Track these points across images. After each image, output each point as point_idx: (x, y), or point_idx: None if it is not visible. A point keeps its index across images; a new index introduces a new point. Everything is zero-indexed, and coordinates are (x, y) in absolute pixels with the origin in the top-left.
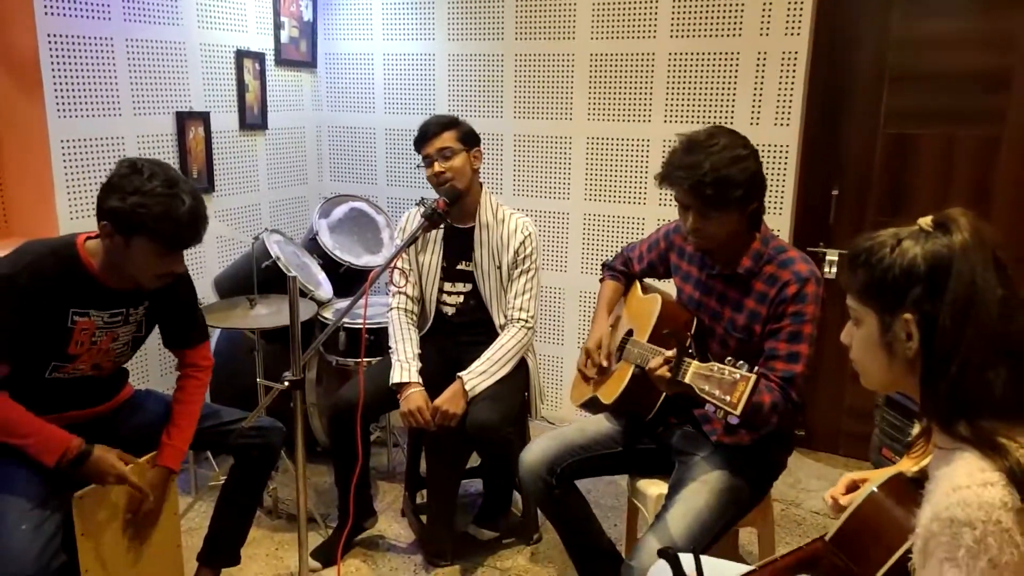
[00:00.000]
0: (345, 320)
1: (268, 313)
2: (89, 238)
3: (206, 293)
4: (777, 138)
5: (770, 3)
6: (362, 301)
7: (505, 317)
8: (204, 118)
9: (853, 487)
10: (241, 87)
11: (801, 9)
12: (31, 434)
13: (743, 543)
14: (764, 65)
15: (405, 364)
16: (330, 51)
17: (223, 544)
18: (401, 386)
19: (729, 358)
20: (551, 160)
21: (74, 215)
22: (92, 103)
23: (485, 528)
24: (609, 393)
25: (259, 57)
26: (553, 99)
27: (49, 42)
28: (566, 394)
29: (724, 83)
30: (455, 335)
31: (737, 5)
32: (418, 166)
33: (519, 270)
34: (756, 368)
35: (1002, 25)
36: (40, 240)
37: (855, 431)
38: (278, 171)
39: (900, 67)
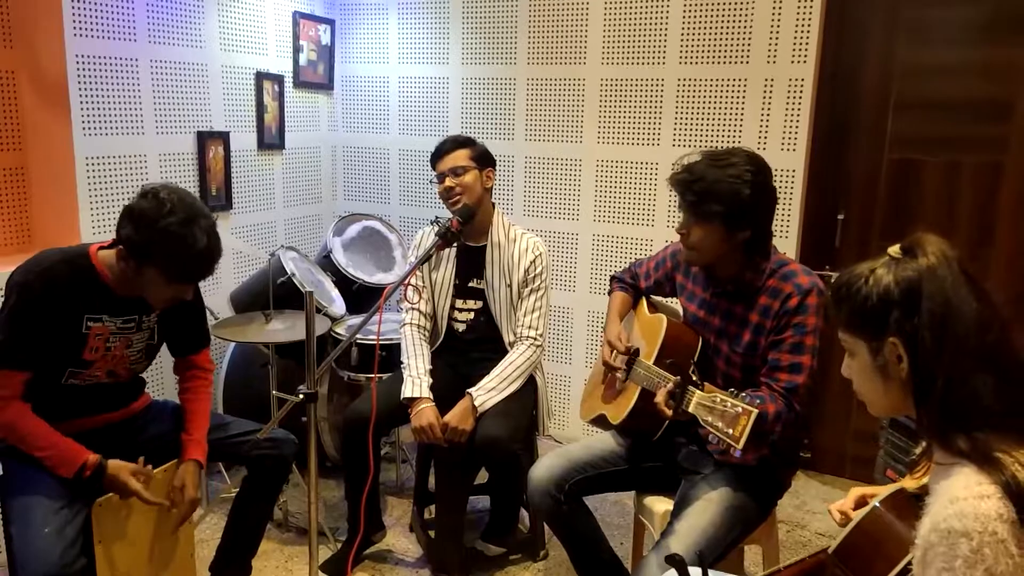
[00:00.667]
0: (357, 336)
1: (283, 328)
2: (102, 247)
3: (222, 308)
4: (784, 163)
5: (777, 31)
6: (376, 317)
7: (514, 335)
8: (224, 137)
9: (862, 502)
10: (260, 108)
11: (807, 37)
12: (49, 447)
13: (748, 562)
14: (771, 91)
15: (417, 379)
16: (347, 74)
17: (235, 555)
18: (412, 401)
19: (732, 389)
20: (561, 181)
21: (96, 230)
22: (117, 122)
23: (492, 544)
24: (616, 413)
25: (278, 79)
26: (564, 122)
27: (77, 62)
28: (574, 412)
29: (732, 108)
30: (465, 351)
31: (744, 33)
32: (431, 181)
33: (529, 288)
34: (758, 402)
35: (1004, 54)
36: (54, 248)
37: (860, 454)
38: (294, 190)
39: (904, 94)
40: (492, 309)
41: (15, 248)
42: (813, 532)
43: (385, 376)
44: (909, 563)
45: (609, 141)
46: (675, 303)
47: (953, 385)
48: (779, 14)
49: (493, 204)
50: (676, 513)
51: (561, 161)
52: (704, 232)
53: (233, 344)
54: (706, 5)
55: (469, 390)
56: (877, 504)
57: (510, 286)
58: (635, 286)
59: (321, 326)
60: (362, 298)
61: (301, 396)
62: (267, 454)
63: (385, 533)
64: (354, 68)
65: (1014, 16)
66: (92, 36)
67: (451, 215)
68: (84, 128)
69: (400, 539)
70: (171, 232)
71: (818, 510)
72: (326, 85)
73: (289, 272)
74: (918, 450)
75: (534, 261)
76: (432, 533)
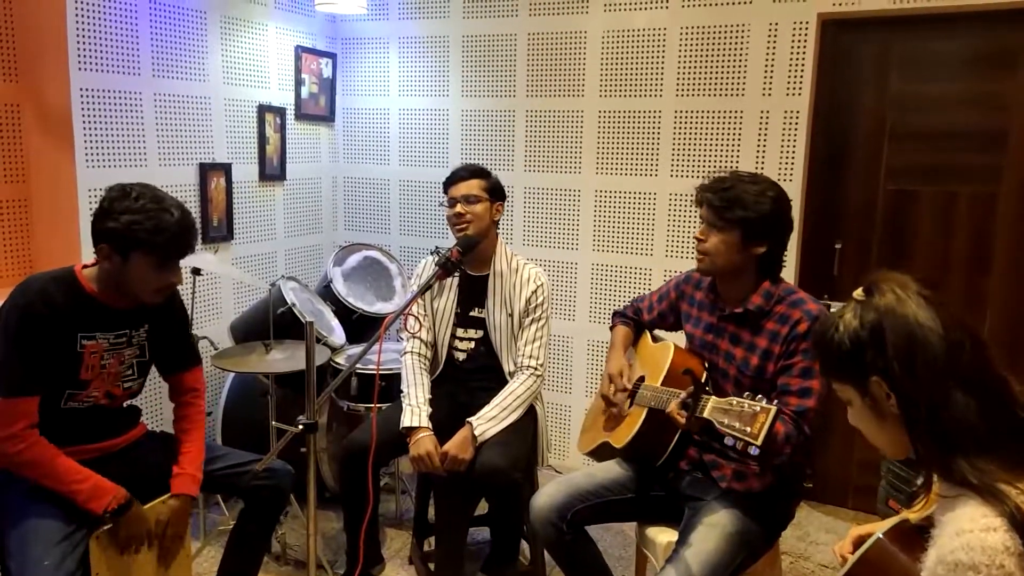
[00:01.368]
0: (357, 366)
1: (283, 358)
2: (85, 266)
3: (222, 338)
4: None
5: (772, 64)
6: (376, 347)
7: (515, 364)
8: (226, 169)
9: (861, 543)
10: (262, 140)
11: (802, 70)
12: (83, 480)
13: None
14: (767, 123)
15: (416, 409)
16: (348, 106)
17: None
18: (411, 431)
19: (747, 393)
20: (560, 212)
21: None
22: (120, 154)
23: None
24: (621, 437)
25: (280, 112)
26: (563, 153)
27: (81, 95)
28: (574, 442)
29: (728, 140)
30: (465, 381)
31: (740, 66)
32: (441, 204)
33: (530, 318)
34: (776, 402)
35: (995, 87)
36: (38, 273)
37: (864, 484)
38: (295, 220)
39: (899, 126)
40: (493, 338)
41: (17, 279)
42: (816, 564)
43: (385, 406)
44: None
45: (608, 172)
46: (676, 337)
47: (936, 410)
48: (774, 48)
49: (497, 234)
50: (681, 539)
51: (560, 192)
52: (722, 238)
53: (233, 374)
54: (702, 38)
55: (469, 419)
56: (880, 535)
57: (511, 316)
58: (637, 320)
59: (321, 356)
60: (362, 328)
61: (301, 427)
62: (264, 485)
63: (384, 566)
64: (355, 100)
65: (1003, 49)
66: (96, 70)
67: (451, 246)
68: (87, 160)
69: (399, 572)
70: (147, 209)
71: (821, 541)
72: (327, 117)
73: (289, 302)
74: (919, 481)
75: (536, 291)
76: (432, 565)
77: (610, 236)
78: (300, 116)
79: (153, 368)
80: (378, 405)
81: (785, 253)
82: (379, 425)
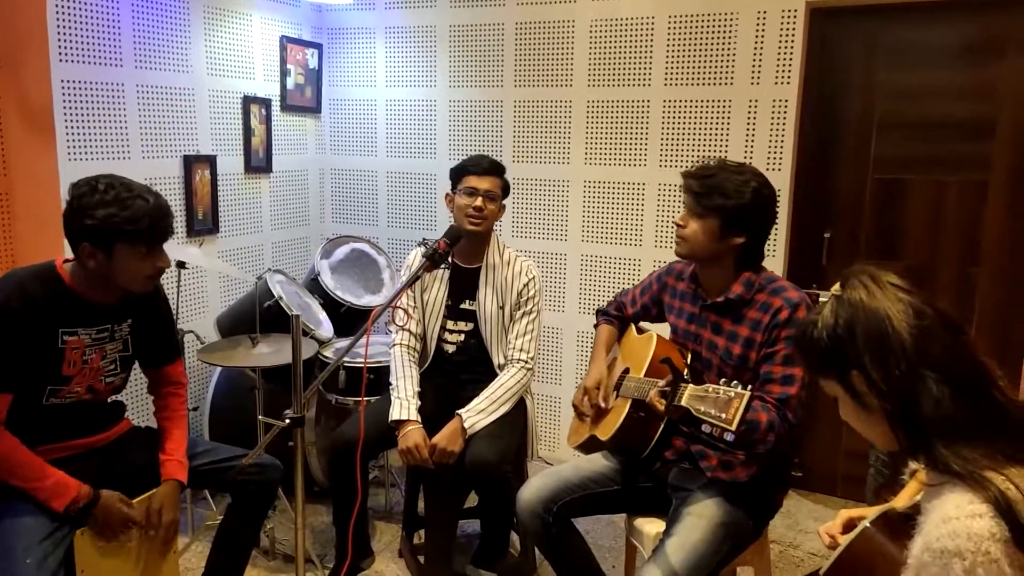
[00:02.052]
0: (345, 359)
1: (270, 352)
2: (67, 261)
3: (208, 332)
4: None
5: (760, 53)
6: (363, 340)
7: (505, 357)
8: (211, 161)
9: (850, 525)
10: (247, 131)
11: (790, 59)
12: (42, 478)
13: None
14: (756, 112)
15: (405, 402)
16: (334, 97)
17: None
18: (400, 423)
19: (724, 379)
20: (549, 202)
21: None
22: (102, 147)
23: (483, 569)
24: (606, 429)
25: (265, 103)
26: (551, 144)
27: (63, 88)
28: (564, 434)
29: (717, 129)
30: (455, 373)
31: (728, 55)
32: (452, 190)
33: (521, 312)
34: (750, 387)
35: (984, 76)
36: (18, 268)
37: (853, 473)
38: (281, 213)
39: (888, 115)
40: (483, 331)
41: None
42: (805, 552)
43: (373, 399)
44: None
45: (596, 162)
46: (661, 328)
47: (909, 402)
48: (762, 36)
49: (492, 228)
50: (668, 529)
51: (549, 182)
52: (700, 224)
53: (219, 369)
54: (690, 27)
55: (458, 411)
56: (868, 524)
57: (502, 308)
58: (620, 317)
59: (308, 349)
60: (351, 321)
61: (287, 421)
62: (252, 480)
63: (374, 559)
64: (341, 91)
65: (991, 37)
66: (78, 61)
67: (439, 237)
68: (69, 153)
69: (389, 565)
70: (120, 199)
71: (810, 530)
72: (314, 108)
73: (276, 295)
74: (907, 470)
75: (527, 284)
76: (422, 558)
77: (599, 227)
78: (286, 107)
79: (136, 363)
80: (367, 398)
81: (767, 245)
82: (368, 418)
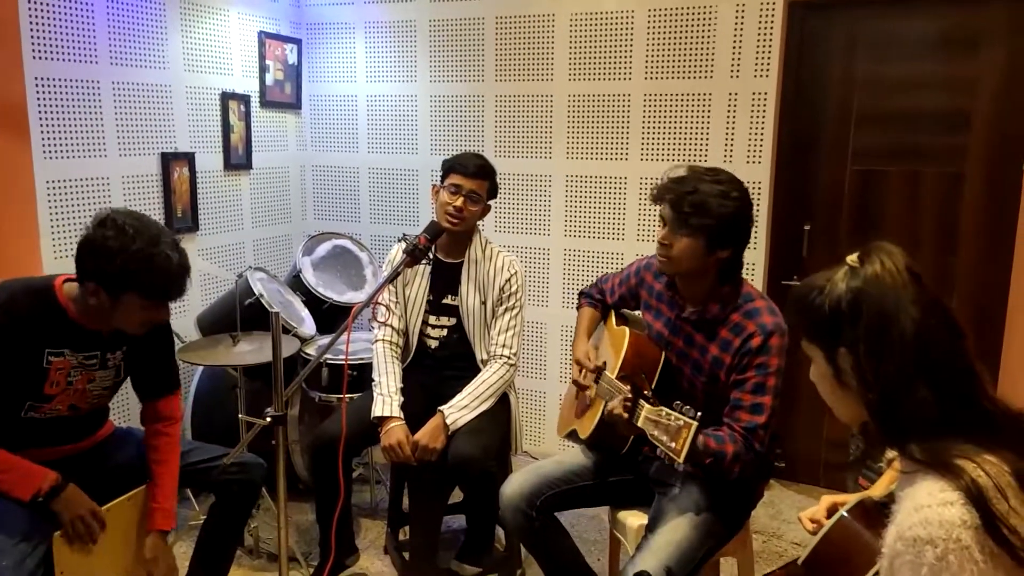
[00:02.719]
0: (327, 356)
1: (251, 350)
2: (68, 280)
3: (188, 331)
4: (750, 175)
5: (739, 46)
6: (344, 336)
7: (487, 353)
8: (189, 158)
9: (834, 510)
10: (226, 128)
11: (769, 52)
12: (6, 469)
13: (724, 574)
14: (735, 105)
15: (387, 398)
16: (314, 93)
17: None
18: (382, 420)
19: (677, 402)
20: (532, 197)
21: (58, 255)
22: (78, 145)
23: (468, 564)
24: (585, 428)
25: (244, 99)
26: (533, 138)
27: (36, 85)
28: (549, 428)
29: (698, 122)
30: (437, 369)
31: (708, 48)
32: (438, 183)
33: (504, 307)
34: (699, 414)
35: (959, 67)
36: (17, 279)
37: (835, 461)
38: (262, 210)
39: (866, 107)
40: (465, 326)
41: None
42: (788, 542)
43: (356, 396)
44: (877, 572)
45: (578, 156)
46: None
47: (894, 399)
48: (741, 29)
49: (475, 224)
50: (651, 528)
51: (531, 177)
52: (687, 244)
53: (201, 368)
54: (670, 21)
55: (441, 407)
56: (844, 513)
57: (484, 303)
58: (603, 301)
59: (290, 347)
60: (333, 318)
61: (269, 419)
62: (235, 479)
63: (358, 556)
64: (322, 87)
65: (966, 30)
66: (52, 59)
67: (419, 233)
68: (44, 151)
69: (374, 562)
70: (143, 256)
71: (793, 519)
72: (294, 104)
73: (257, 293)
74: (885, 459)
75: (510, 280)
76: (407, 555)
77: (581, 221)
78: (265, 103)
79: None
80: (349, 395)
81: (746, 250)
82: (350, 415)
